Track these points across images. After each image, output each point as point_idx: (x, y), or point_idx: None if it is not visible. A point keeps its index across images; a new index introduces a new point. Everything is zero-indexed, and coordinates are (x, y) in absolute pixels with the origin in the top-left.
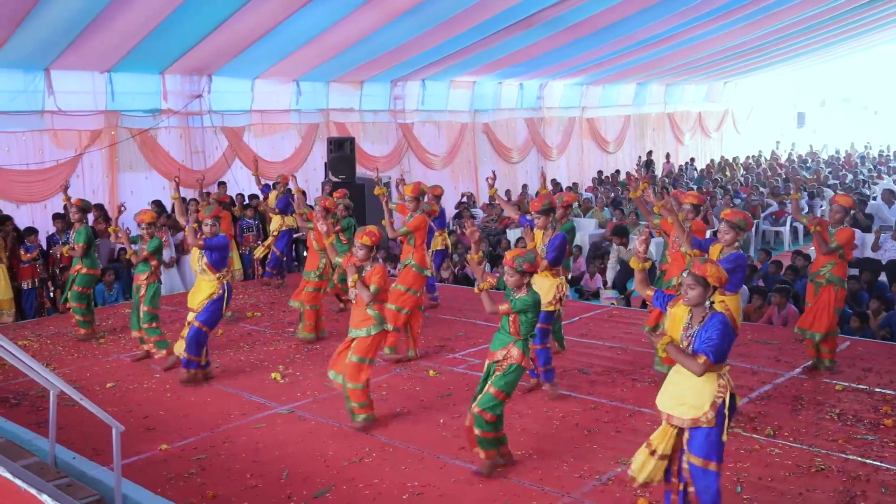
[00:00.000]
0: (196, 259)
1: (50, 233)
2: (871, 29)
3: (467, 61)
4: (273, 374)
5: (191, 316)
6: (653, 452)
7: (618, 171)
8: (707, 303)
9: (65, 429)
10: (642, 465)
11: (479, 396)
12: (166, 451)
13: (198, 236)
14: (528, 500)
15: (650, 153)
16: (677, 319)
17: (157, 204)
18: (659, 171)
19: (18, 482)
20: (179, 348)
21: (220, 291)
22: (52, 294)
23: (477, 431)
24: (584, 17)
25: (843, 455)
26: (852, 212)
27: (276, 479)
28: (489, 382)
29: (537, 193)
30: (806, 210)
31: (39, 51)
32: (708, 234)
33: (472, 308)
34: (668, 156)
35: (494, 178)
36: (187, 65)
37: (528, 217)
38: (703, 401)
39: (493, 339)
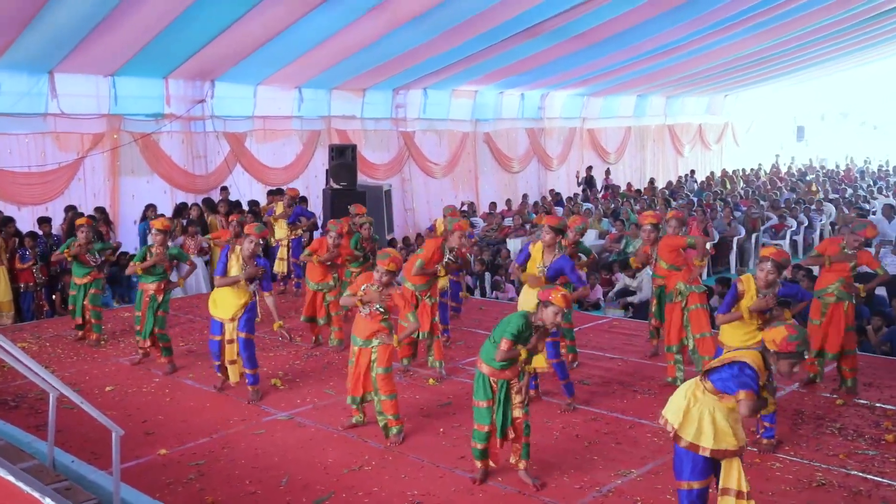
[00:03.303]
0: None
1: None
2: (871, 44)
3: (469, 70)
4: (273, 381)
5: (229, 331)
6: (739, 495)
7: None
8: None
9: (63, 432)
10: None
11: (512, 408)
12: (165, 456)
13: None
14: None
15: (590, 168)
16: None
17: (153, 208)
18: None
19: (21, 485)
20: (235, 376)
21: (254, 298)
22: (52, 297)
23: (525, 439)
24: (586, 29)
25: (845, 470)
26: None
27: (275, 485)
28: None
29: (535, 203)
30: (806, 223)
31: (44, 54)
32: (708, 245)
33: (472, 317)
34: (607, 172)
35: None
36: (191, 70)
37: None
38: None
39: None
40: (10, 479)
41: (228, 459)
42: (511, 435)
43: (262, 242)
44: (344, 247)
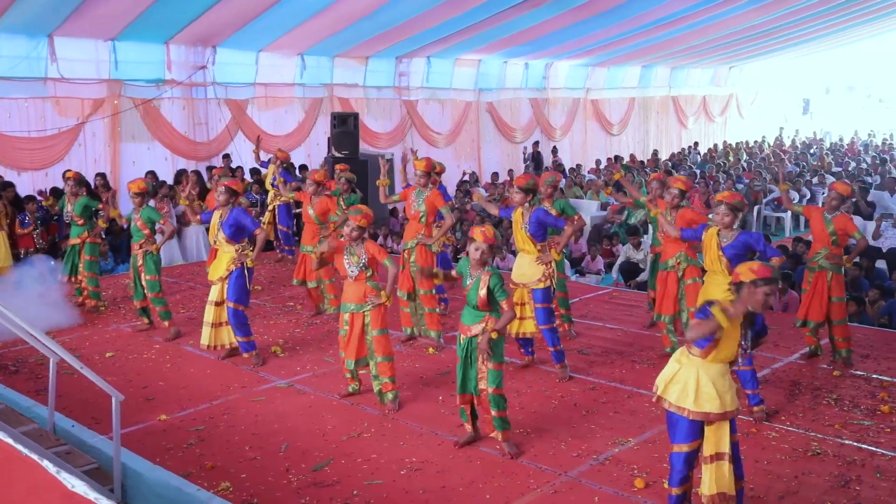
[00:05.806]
0: (214, 232)
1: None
2: (877, 17)
3: (473, 39)
4: (273, 348)
5: (214, 294)
6: (714, 458)
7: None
8: None
9: (64, 397)
10: (711, 479)
11: (479, 376)
12: (165, 422)
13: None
14: (526, 478)
15: (536, 144)
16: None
17: (153, 175)
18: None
19: (20, 448)
20: (231, 338)
21: (241, 264)
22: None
23: (494, 413)
24: None
25: (840, 440)
26: (852, 199)
27: (274, 451)
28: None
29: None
30: (809, 196)
31: (43, 17)
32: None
33: None
34: (554, 150)
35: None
36: (192, 35)
37: (506, 210)
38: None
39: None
40: (10, 442)
41: (228, 425)
42: (477, 404)
43: (235, 191)
44: (331, 202)
